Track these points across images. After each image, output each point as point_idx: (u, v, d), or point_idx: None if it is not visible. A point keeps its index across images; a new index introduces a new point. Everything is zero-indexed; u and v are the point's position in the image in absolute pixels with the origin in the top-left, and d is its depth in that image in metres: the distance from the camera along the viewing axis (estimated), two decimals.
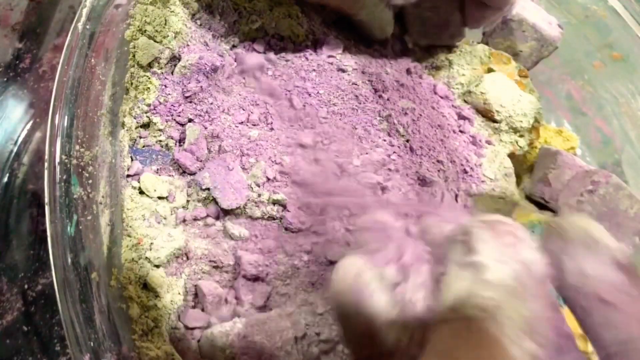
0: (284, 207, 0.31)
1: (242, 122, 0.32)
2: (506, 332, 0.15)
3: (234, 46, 0.36)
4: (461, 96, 0.41)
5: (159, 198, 0.31)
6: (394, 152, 0.34)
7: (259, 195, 0.31)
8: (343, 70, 0.36)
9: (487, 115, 0.41)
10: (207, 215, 0.31)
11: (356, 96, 0.35)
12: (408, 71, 0.40)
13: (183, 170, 0.32)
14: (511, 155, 0.41)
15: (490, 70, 0.42)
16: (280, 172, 0.31)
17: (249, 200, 0.30)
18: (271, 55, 0.36)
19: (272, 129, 0.33)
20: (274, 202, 0.31)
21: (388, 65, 0.38)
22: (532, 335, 0.15)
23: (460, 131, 0.39)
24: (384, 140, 0.35)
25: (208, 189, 0.31)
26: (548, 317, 0.16)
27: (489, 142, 0.40)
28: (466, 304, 0.16)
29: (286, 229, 0.30)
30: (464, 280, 0.16)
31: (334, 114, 0.34)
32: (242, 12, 0.37)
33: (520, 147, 0.41)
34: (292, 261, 0.31)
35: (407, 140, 0.35)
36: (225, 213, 0.31)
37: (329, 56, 0.36)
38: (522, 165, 0.44)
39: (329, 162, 0.32)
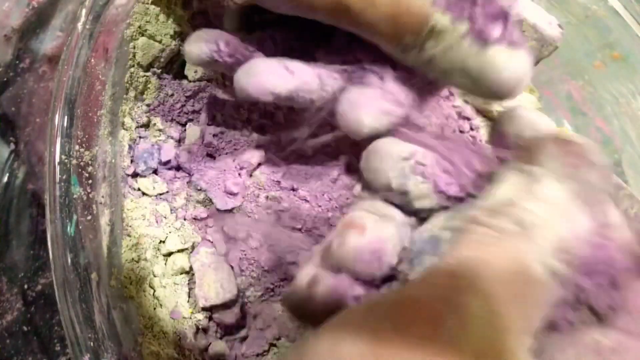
0: (282, 205, 0.31)
1: (242, 123, 0.32)
2: (534, 251, 0.14)
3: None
4: (461, 96, 0.41)
5: (159, 198, 0.31)
6: None
7: (257, 196, 0.31)
8: None
9: (487, 115, 0.41)
10: (207, 216, 0.31)
11: None
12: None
13: (182, 171, 0.32)
14: None
15: None
16: (278, 171, 0.31)
17: (245, 200, 0.30)
18: None
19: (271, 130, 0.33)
20: (271, 201, 0.30)
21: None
22: (563, 255, 0.15)
23: (460, 131, 0.39)
24: None
25: (205, 189, 0.31)
26: (593, 241, 0.16)
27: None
28: (505, 211, 0.15)
29: (284, 227, 0.30)
30: (514, 185, 0.16)
31: None
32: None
33: None
34: (291, 259, 0.31)
35: None
36: (222, 212, 0.31)
37: None
38: None
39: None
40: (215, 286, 0.29)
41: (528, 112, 0.25)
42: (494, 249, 0.15)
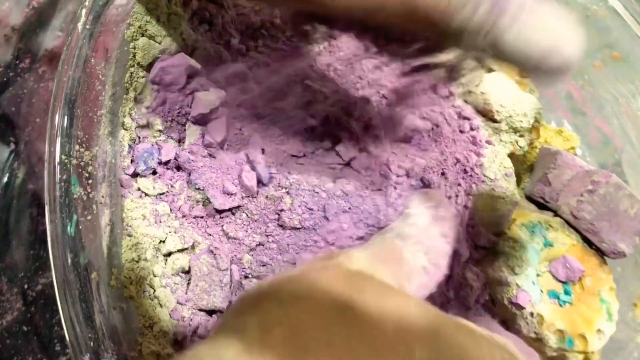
0: (280, 206, 0.31)
1: (241, 123, 0.32)
2: (406, 249, 0.26)
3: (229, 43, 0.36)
4: (461, 96, 0.41)
5: (159, 198, 0.31)
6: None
7: (255, 196, 0.30)
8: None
9: (487, 115, 0.41)
10: (207, 216, 0.31)
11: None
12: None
13: (182, 170, 0.32)
14: (511, 155, 0.41)
15: (490, 70, 0.42)
16: (277, 172, 0.31)
17: (243, 199, 0.30)
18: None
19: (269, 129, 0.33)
20: (271, 201, 0.30)
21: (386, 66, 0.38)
22: (427, 256, 0.26)
23: (460, 131, 0.39)
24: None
25: (203, 188, 0.31)
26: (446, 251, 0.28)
27: (489, 142, 0.40)
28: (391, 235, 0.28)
29: (283, 227, 0.30)
30: (396, 223, 0.29)
31: None
32: (242, 9, 0.37)
33: (520, 147, 0.41)
34: (289, 259, 0.31)
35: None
36: (221, 212, 0.31)
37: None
38: (522, 165, 0.44)
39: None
40: (205, 295, 0.29)
41: None
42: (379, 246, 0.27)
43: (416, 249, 0.26)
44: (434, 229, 0.28)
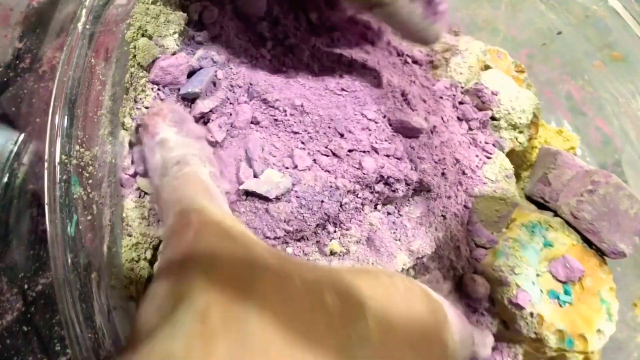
0: (279, 204, 0.31)
1: (241, 121, 0.32)
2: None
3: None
4: (459, 95, 0.41)
5: None
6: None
7: (251, 194, 0.30)
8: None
9: (485, 113, 0.41)
10: None
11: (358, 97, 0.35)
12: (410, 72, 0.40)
13: None
14: (511, 152, 0.41)
15: (487, 67, 0.42)
16: (277, 170, 0.31)
17: (239, 197, 0.30)
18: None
19: (270, 129, 0.33)
20: (270, 200, 0.30)
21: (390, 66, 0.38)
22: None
23: (461, 133, 0.39)
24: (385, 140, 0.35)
25: None
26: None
27: (488, 143, 0.40)
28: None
29: (278, 221, 0.30)
30: (157, 154, 0.26)
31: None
32: None
33: (520, 142, 0.41)
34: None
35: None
36: None
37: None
38: (522, 165, 0.44)
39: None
40: None
41: None
42: None
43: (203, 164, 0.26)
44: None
